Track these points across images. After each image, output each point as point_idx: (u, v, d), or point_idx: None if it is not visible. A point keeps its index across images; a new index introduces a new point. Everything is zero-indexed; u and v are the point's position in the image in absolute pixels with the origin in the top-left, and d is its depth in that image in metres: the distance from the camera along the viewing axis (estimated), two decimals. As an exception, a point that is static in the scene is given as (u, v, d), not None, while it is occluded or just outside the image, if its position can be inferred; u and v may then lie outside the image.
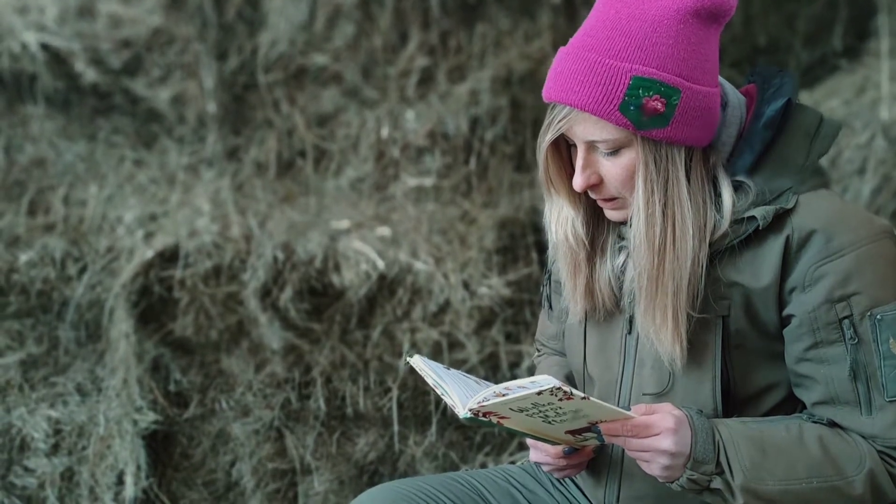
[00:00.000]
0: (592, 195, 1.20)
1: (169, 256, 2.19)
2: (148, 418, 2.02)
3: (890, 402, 1.12)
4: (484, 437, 2.09)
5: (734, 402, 1.19)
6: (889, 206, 2.07)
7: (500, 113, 2.40)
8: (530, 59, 2.48)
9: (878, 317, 1.11)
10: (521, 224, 2.29)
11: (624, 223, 1.22)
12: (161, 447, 2.05)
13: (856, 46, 2.55)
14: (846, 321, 1.12)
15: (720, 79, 1.20)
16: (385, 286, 2.17)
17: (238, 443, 2.05)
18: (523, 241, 2.27)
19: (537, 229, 2.25)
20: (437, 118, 2.39)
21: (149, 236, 2.23)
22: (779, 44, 2.63)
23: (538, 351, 1.53)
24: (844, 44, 2.57)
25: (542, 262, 2.20)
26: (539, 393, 1.04)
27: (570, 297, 1.26)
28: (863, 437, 1.14)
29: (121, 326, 2.13)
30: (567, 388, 1.03)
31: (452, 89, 2.43)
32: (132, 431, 2.00)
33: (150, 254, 2.17)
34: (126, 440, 2.00)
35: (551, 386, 1.03)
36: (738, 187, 1.16)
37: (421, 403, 2.08)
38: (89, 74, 2.51)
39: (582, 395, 1.05)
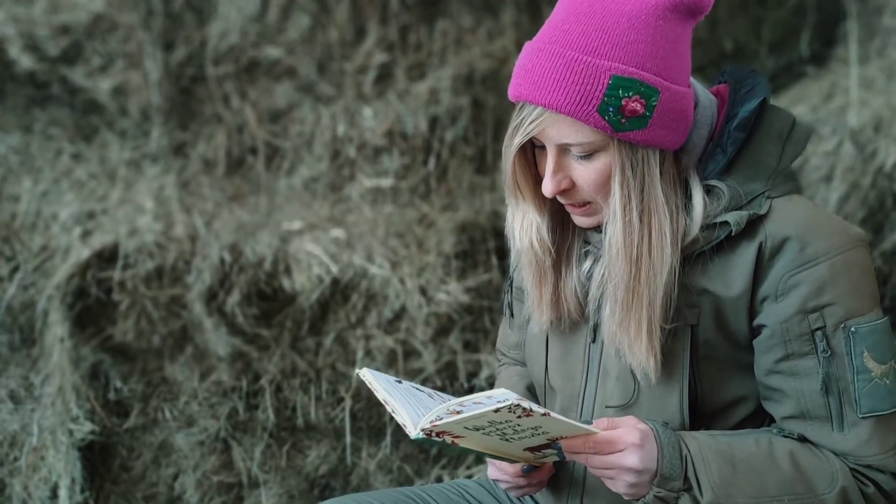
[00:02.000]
0: (562, 200, 1.18)
1: (108, 256, 2.15)
2: (84, 428, 1.99)
3: (863, 418, 1.12)
4: (440, 450, 2.08)
5: (702, 415, 1.18)
6: (858, 213, 2.10)
7: (461, 113, 2.39)
8: (492, 58, 2.48)
9: (853, 329, 1.11)
10: (481, 228, 2.29)
11: (592, 229, 1.21)
12: (98, 459, 2.01)
13: (823, 53, 2.59)
14: (819, 333, 1.11)
15: (690, 79, 1.19)
16: (338, 291, 2.15)
17: (181, 455, 2.02)
18: (483, 246, 2.27)
19: (498, 234, 2.25)
20: (396, 117, 2.37)
21: (86, 235, 2.19)
22: (745, 49, 2.66)
23: (499, 361, 1.53)
24: (811, 50, 2.61)
25: (503, 268, 2.22)
26: (496, 410, 1.01)
27: (534, 306, 1.25)
28: (834, 453, 1.13)
29: (55, 330, 2.10)
30: (526, 405, 1.01)
31: (411, 87, 2.42)
32: (67, 442, 1.97)
33: (86, 253, 2.13)
34: (61, 451, 1.96)
35: (509, 403, 1.00)
36: (709, 191, 1.15)
37: (375, 414, 2.07)
38: (25, 62, 2.46)
39: (542, 410, 1.03)
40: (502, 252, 2.24)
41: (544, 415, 1.03)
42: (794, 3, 2.65)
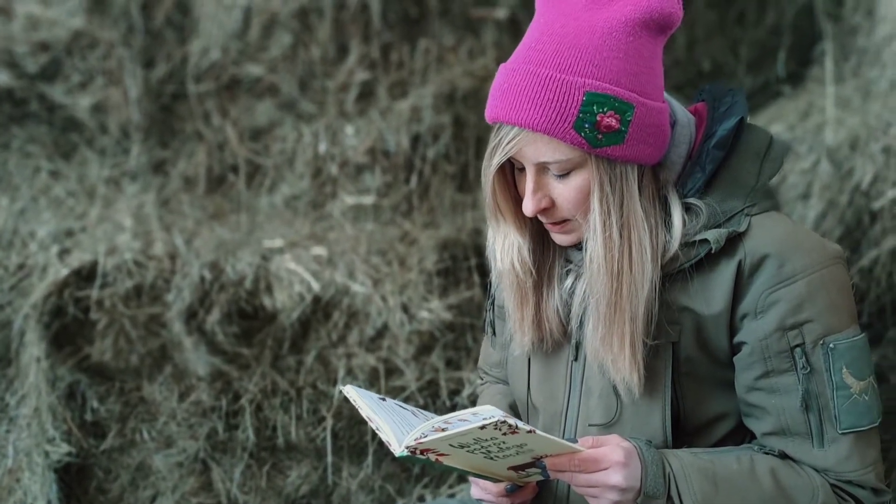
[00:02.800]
0: (542, 219, 1.17)
1: (86, 275, 2.11)
2: (61, 450, 1.94)
3: (843, 434, 1.12)
4: (423, 469, 2.05)
5: (684, 431, 1.18)
6: (835, 231, 2.09)
7: (443, 131, 2.38)
8: (474, 77, 2.47)
9: (831, 345, 1.11)
10: (463, 245, 2.27)
11: (572, 247, 1.20)
12: (75, 481, 1.97)
13: (799, 73, 2.59)
14: (798, 350, 1.11)
15: (667, 96, 1.20)
16: (320, 309, 2.12)
17: (160, 476, 1.98)
18: (465, 264, 2.24)
19: (480, 251, 2.24)
20: (378, 134, 2.35)
21: (64, 253, 2.14)
22: (723, 69, 2.67)
23: (481, 379, 1.51)
24: (787, 70, 2.62)
25: (485, 286, 2.13)
26: (482, 427, 1.00)
27: (516, 327, 1.24)
28: (815, 469, 1.13)
29: (32, 350, 2.04)
30: (512, 422, 1.00)
31: (393, 105, 2.40)
32: (43, 464, 1.93)
33: (64, 272, 2.08)
34: (37, 473, 1.92)
35: (495, 420, 0.99)
36: (688, 208, 1.15)
37: (357, 433, 2.03)
38: (3, 78, 2.42)
39: (527, 427, 1.02)
40: (484, 269, 2.18)
41: (529, 432, 1.02)
42: (771, 24, 2.67)
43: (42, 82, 2.44)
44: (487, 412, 1.02)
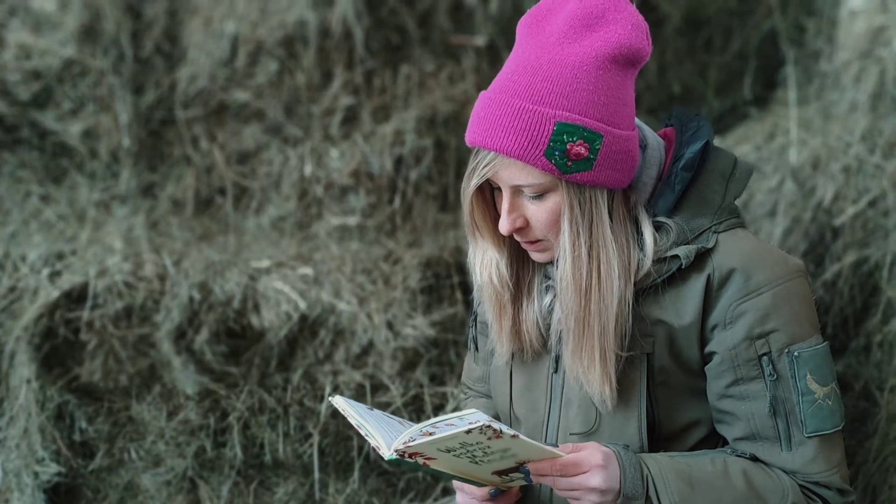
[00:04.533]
0: (517, 238, 1.19)
1: (77, 297, 2.03)
2: (50, 470, 1.88)
3: (808, 437, 1.13)
4: (408, 483, 2.00)
5: (659, 439, 1.18)
6: (800, 246, 2.09)
7: (425, 153, 2.34)
8: (454, 101, 2.44)
9: (796, 353, 1.12)
10: (445, 263, 2.22)
11: (550, 263, 1.21)
12: (64, 501, 1.91)
13: (765, 96, 2.59)
14: (765, 358, 1.13)
15: (638, 122, 1.21)
16: (306, 327, 2.06)
17: (148, 495, 1.92)
18: (448, 281, 2.20)
19: (462, 269, 2.20)
20: (362, 157, 2.31)
21: (55, 276, 2.07)
22: (692, 92, 2.67)
23: (464, 394, 1.49)
24: (754, 93, 2.62)
25: (467, 303, 2.16)
26: (468, 431, 1.00)
27: (496, 338, 1.25)
28: (784, 471, 1.14)
29: (22, 371, 1.96)
30: (497, 426, 1.00)
31: (377, 129, 2.37)
32: (32, 484, 1.87)
33: (55, 294, 2.01)
34: (26, 494, 1.86)
35: (481, 424, 0.99)
36: (658, 227, 1.17)
37: (343, 449, 1.97)
38: (-5, 106, 2.35)
39: (511, 432, 1.02)
40: (466, 287, 2.18)
41: (513, 437, 1.02)
42: (737, 49, 2.66)
43: (34, 109, 2.38)
44: (473, 416, 1.02)
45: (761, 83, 2.62)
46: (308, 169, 2.32)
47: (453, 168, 2.38)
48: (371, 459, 1.96)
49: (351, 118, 2.39)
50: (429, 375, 2.07)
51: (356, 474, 1.94)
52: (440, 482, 2.00)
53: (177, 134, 2.40)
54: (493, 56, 2.51)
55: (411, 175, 2.33)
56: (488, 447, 1.04)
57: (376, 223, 2.28)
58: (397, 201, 2.32)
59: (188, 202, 2.32)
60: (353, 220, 2.28)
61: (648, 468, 1.11)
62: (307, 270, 2.13)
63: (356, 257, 2.18)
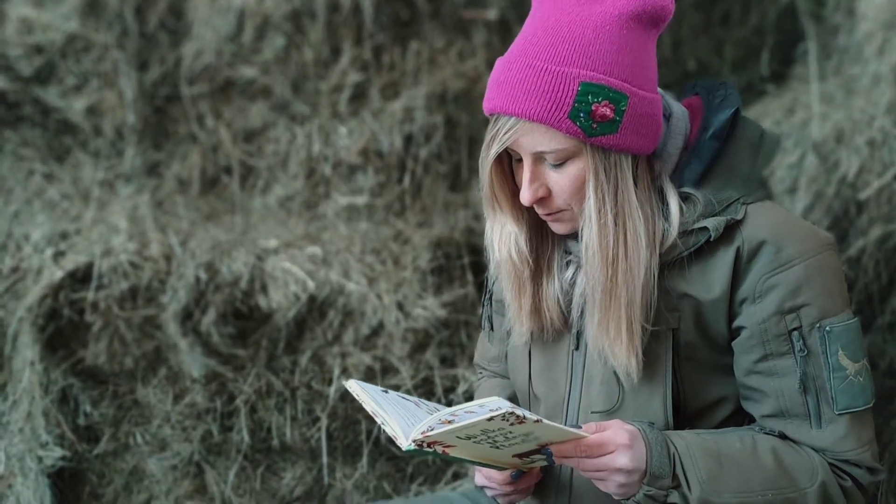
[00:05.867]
0: (538, 209, 1.14)
1: (81, 277, 1.94)
2: (54, 454, 1.81)
3: (839, 414, 1.09)
4: (417, 468, 1.91)
5: (684, 416, 1.14)
6: (823, 221, 2.00)
7: (435, 131, 2.24)
8: (465, 78, 2.33)
9: (827, 328, 1.08)
10: (456, 244, 2.13)
11: (569, 236, 1.16)
12: (68, 486, 1.84)
13: (782, 72, 2.48)
14: (795, 333, 1.09)
15: (661, 91, 1.16)
16: (315, 308, 1.96)
17: (154, 480, 1.85)
18: (459, 262, 2.10)
19: (473, 250, 2.10)
20: (370, 135, 2.21)
21: (59, 255, 1.97)
22: (708, 69, 2.56)
23: (478, 374, 1.43)
24: (771, 69, 2.51)
25: (478, 284, 2.07)
26: (490, 419, 0.96)
27: (515, 317, 1.19)
28: (813, 449, 1.10)
29: (25, 354, 1.88)
30: (519, 412, 0.96)
31: (386, 106, 2.26)
32: (36, 469, 1.80)
33: (59, 274, 1.91)
34: (29, 478, 1.78)
35: (503, 411, 0.95)
36: (685, 198, 1.12)
37: (351, 433, 1.88)
38: (-3, 82, 2.25)
39: (535, 417, 0.97)
40: (477, 267, 2.08)
41: (537, 421, 0.98)
42: (754, 24, 2.54)
43: (36, 85, 2.27)
44: (494, 403, 0.97)
45: (778, 59, 2.51)
46: (316, 147, 2.23)
47: (464, 146, 2.28)
48: (381, 443, 1.88)
49: (359, 95, 2.29)
50: (439, 357, 1.98)
51: (365, 459, 1.87)
52: (451, 467, 1.91)
53: (182, 111, 2.29)
54: (505, 31, 2.39)
55: (421, 153, 2.23)
56: (510, 432, 0.99)
57: (385, 202, 2.19)
58: (407, 180, 2.22)
59: (194, 181, 2.23)
60: (361, 200, 2.18)
61: (675, 446, 1.06)
62: (315, 250, 2.04)
63: (365, 237, 2.09)
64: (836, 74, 2.32)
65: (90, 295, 1.91)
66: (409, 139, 2.21)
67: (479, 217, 2.16)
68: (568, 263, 1.17)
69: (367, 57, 2.28)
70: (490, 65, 2.30)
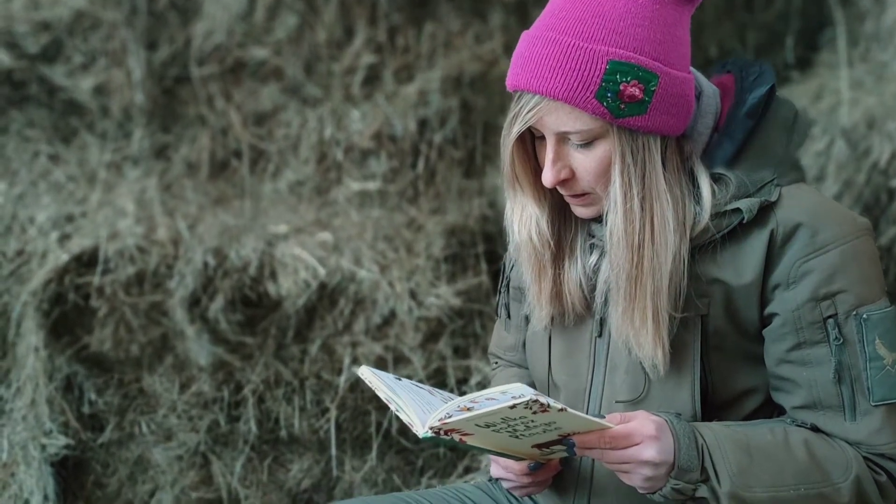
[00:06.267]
0: (561, 191, 1.09)
1: (87, 261, 1.90)
2: (58, 443, 1.78)
3: (875, 406, 1.04)
4: (427, 461, 1.87)
5: (712, 407, 1.10)
6: (853, 209, 1.95)
7: (450, 115, 2.18)
8: (481, 61, 2.27)
9: (864, 316, 1.04)
10: (470, 231, 2.07)
11: (593, 220, 1.12)
12: (72, 475, 1.82)
13: (807, 58, 2.41)
14: (831, 321, 1.04)
15: (692, 69, 1.10)
16: (325, 296, 1.92)
17: (159, 470, 1.82)
18: (473, 250, 2.05)
19: (488, 238, 2.05)
20: (384, 119, 2.16)
21: (64, 239, 1.94)
22: (730, 54, 2.48)
23: (494, 365, 1.38)
24: (796, 55, 2.44)
25: (493, 273, 2.02)
26: (512, 407, 0.91)
27: (534, 301, 1.15)
28: (847, 442, 1.06)
29: (30, 339, 1.84)
30: (544, 400, 0.91)
31: (400, 89, 2.20)
32: (39, 457, 1.77)
33: (65, 258, 1.87)
34: (32, 467, 1.75)
35: (526, 399, 0.90)
36: (717, 179, 1.07)
37: (361, 424, 1.85)
38: (3, 59, 2.18)
39: (559, 406, 0.92)
40: (492, 256, 2.03)
41: (561, 410, 0.93)
42: (779, 9, 2.47)
43: (42, 63, 2.23)
44: (517, 390, 0.93)
45: (803, 45, 2.44)
46: (328, 131, 2.18)
47: (480, 131, 2.22)
48: (390, 436, 1.84)
49: (373, 77, 2.24)
50: (452, 348, 1.93)
51: (374, 451, 1.83)
52: (462, 461, 1.87)
53: (191, 93, 2.24)
54: (522, 13, 2.33)
55: (435, 138, 2.17)
56: (532, 421, 0.95)
57: (398, 189, 2.14)
58: (420, 166, 2.17)
59: (203, 165, 2.18)
60: (373, 186, 2.13)
61: (703, 437, 1.01)
62: (326, 236, 2.00)
63: (377, 224, 2.05)
64: (864, 61, 2.27)
65: (96, 280, 1.87)
66: (423, 124, 2.17)
67: (494, 205, 2.11)
68: (592, 248, 1.13)
69: (382, 38, 2.24)
70: (508, 48, 2.24)
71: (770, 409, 1.12)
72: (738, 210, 1.04)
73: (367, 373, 1.06)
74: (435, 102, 2.17)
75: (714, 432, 1.02)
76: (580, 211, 1.10)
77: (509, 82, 1.05)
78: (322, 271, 1.90)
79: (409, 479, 1.85)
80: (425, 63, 2.24)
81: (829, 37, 2.38)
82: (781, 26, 2.45)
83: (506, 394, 0.93)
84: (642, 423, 1.00)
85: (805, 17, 2.45)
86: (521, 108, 1.03)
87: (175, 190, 2.12)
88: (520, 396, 0.91)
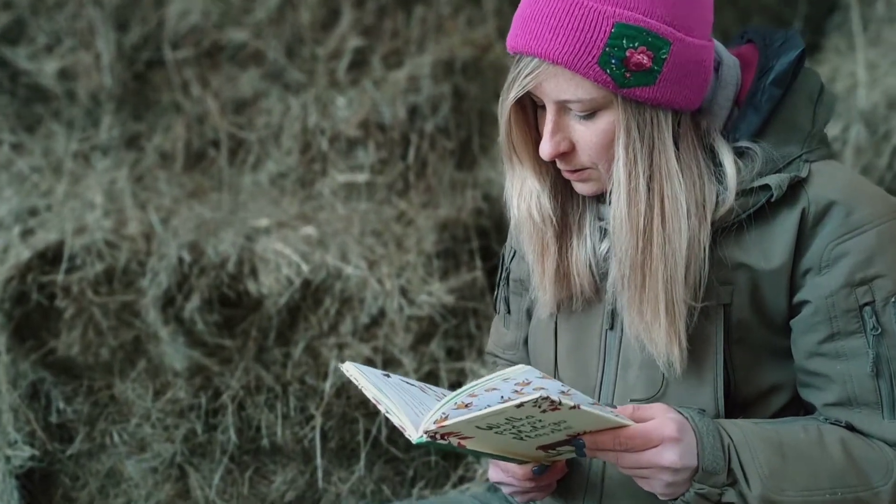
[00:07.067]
0: (560, 165, 1.03)
1: (52, 257, 1.85)
2: (23, 454, 1.77)
3: None
4: (418, 471, 1.82)
5: (735, 405, 1.03)
6: None
7: (442, 102, 2.13)
8: (474, 46, 2.22)
9: None
10: (463, 226, 2.02)
11: (595, 197, 1.06)
12: (39, 489, 1.81)
13: (815, 43, 2.37)
14: (868, 308, 0.98)
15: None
16: (309, 294, 1.86)
17: (132, 483, 1.80)
18: (466, 246, 1.99)
19: (482, 232, 2.00)
20: (372, 106, 2.11)
21: (27, 234, 1.90)
22: (733, 40, 2.43)
23: (493, 363, 1.31)
24: (804, 41, 2.41)
25: (488, 269, 1.96)
26: (519, 405, 0.84)
27: (538, 284, 1.09)
28: (886, 443, 0.99)
29: None
30: (555, 397, 0.84)
31: (389, 75, 2.16)
32: (4, 470, 1.78)
33: (27, 254, 1.83)
34: None
35: (535, 397, 0.83)
36: (741, 154, 1.01)
37: (348, 433, 1.80)
38: (-41, 42, 2.17)
39: (571, 403, 0.85)
40: (486, 252, 1.98)
41: (573, 408, 0.86)
42: None
43: (4, 45, 2.18)
44: (521, 374, 0.88)
45: (811, 30, 2.39)
46: (312, 119, 2.14)
47: (474, 120, 2.17)
48: (378, 444, 1.79)
49: (360, 62, 2.21)
50: (445, 349, 1.88)
51: (362, 461, 1.79)
52: (457, 470, 1.82)
53: (165, 78, 2.20)
54: (517, -3, 2.29)
55: (426, 127, 2.12)
56: (539, 421, 0.88)
57: (387, 181, 2.09)
58: (410, 156, 2.11)
59: (178, 155, 2.13)
60: (361, 177, 2.09)
61: (730, 436, 0.95)
62: (310, 231, 1.94)
63: (364, 218, 1.99)
64: (875, 44, 2.23)
65: (61, 278, 1.82)
66: (413, 111, 2.12)
67: (488, 198, 2.06)
68: (604, 233, 1.06)
69: (369, 20, 2.21)
70: (502, 33, 2.20)
71: (797, 408, 1.06)
72: (765, 187, 0.98)
73: (351, 369, 0.99)
74: (426, 89, 2.12)
75: (742, 430, 0.96)
76: (580, 187, 1.05)
77: (509, 44, 1.00)
78: (306, 268, 1.85)
79: (400, 490, 1.81)
80: (415, 47, 2.20)
81: (837, 21, 2.33)
82: (788, 11, 2.40)
83: (508, 381, 0.87)
84: (662, 422, 0.92)
85: (812, 3, 2.41)
86: (519, 72, 0.97)
87: (147, 181, 2.07)
88: (525, 381, 0.85)
